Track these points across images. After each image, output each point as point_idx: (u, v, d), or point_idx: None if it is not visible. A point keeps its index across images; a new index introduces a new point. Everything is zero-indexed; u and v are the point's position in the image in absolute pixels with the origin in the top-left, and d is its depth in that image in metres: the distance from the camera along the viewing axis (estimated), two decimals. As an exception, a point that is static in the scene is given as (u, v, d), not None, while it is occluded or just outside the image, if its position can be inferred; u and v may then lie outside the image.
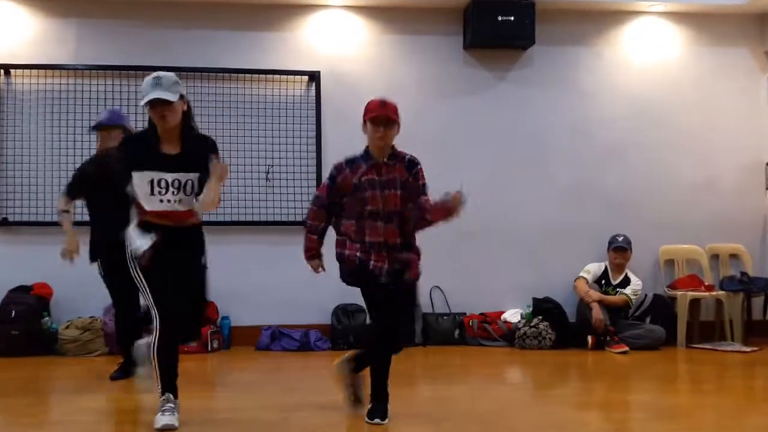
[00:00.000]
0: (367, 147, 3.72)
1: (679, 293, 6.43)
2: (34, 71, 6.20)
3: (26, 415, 3.89)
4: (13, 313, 5.72)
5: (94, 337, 5.80)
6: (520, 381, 5.28)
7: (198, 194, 3.51)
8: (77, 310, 5.95)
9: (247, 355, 5.88)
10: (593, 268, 6.39)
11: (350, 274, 3.69)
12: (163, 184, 3.48)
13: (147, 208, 3.50)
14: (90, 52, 6.27)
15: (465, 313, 6.45)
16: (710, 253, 6.80)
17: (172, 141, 3.55)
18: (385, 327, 3.63)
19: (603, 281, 6.36)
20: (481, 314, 6.44)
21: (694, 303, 6.47)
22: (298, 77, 6.45)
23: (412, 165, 3.71)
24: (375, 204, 3.60)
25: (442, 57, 6.66)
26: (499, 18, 6.34)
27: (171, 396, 3.56)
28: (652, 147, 6.81)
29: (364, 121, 3.68)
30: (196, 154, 3.53)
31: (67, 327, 5.81)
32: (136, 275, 3.53)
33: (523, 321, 6.25)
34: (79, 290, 5.87)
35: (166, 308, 3.50)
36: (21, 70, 6.19)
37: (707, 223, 6.78)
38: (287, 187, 6.37)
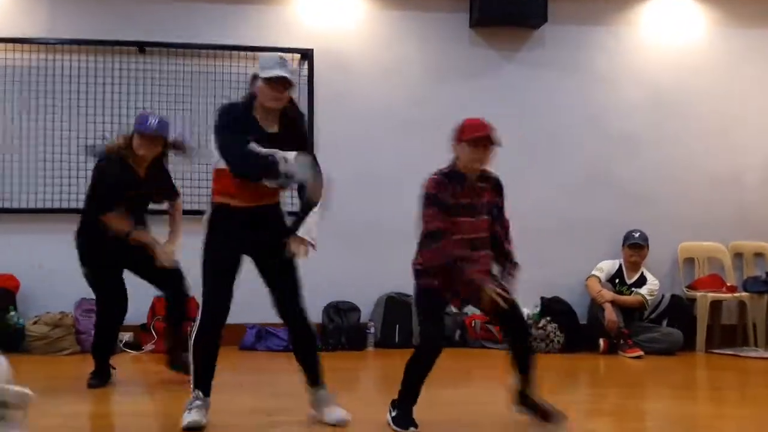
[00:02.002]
0: (455, 165, 3.64)
1: (699, 294, 6.42)
2: (5, 45, 6.15)
3: (-11, 417, 3.86)
4: (-24, 307, 5.70)
5: (65, 334, 5.77)
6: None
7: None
8: (46, 305, 5.92)
9: (230, 355, 5.84)
10: (606, 266, 6.38)
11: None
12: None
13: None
14: (64, 25, 6.23)
15: (467, 314, 6.43)
16: (733, 251, 6.79)
17: (269, 119, 3.61)
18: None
19: (617, 280, 6.35)
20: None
21: (715, 305, 6.47)
22: (288, 55, 6.39)
23: (499, 188, 3.74)
24: (467, 231, 3.60)
25: (446, 36, 6.63)
26: (509, -7, 6.32)
27: (200, 393, 3.63)
28: (672, 137, 6.79)
29: (459, 140, 3.61)
30: (293, 132, 3.65)
31: (35, 323, 5.78)
32: (202, 259, 3.62)
33: (530, 322, 6.23)
34: (49, 283, 5.86)
35: (213, 300, 3.59)
36: (-11, 44, 6.15)
37: (731, 219, 6.77)
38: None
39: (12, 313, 5.86)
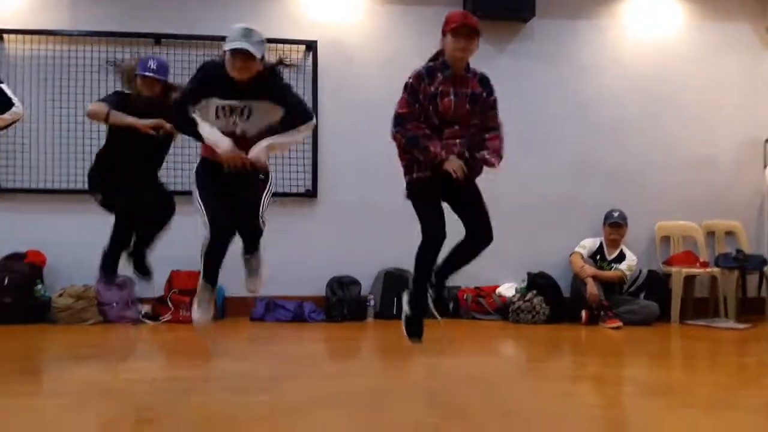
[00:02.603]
0: (441, 56, 3.70)
1: (673, 269, 6.44)
2: (28, 36, 6.12)
3: (20, 382, 3.88)
4: (6, 281, 5.70)
5: (87, 305, 5.79)
6: (514, 355, 5.29)
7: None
8: (70, 278, 5.93)
9: (241, 325, 5.88)
10: (588, 244, 6.39)
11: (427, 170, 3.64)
12: (226, 110, 3.63)
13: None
14: (85, 17, 6.19)
15: (459, 287, 6.44)
16: (706, 230, 6.79)
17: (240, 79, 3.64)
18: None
19: (598, 256, 6.36)
20: (476, 288, 6.44)
21: (689, 279, 6.48)
22: (295, 46, 6.38)
23: (485, 81, 3.75)
24: (448, 113, 3.62)
25: (440, 28, 6.57)
26: (500, -11, 6.27)
27: (210, 286, 3.79)
28: (651, 123, 6.77)
29: (444, 33, 3.67)
30: (262, 86, 3.66)
31: (60, 295, 5.80)
32: (194, 195, 3.71)
33: (518, 295, 6.26)
34: (73, 258, 5.86)
35: (216, 218, 3.65)
36: (15, 36, 6.11)
37: (704, 200, 6.77)
38: (282, 157, 6.32)
39: (39, 286, 5.87)
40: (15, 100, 4.31)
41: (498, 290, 6.38)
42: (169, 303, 5.95)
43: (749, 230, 6.81)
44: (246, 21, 6.25)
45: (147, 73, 4.48)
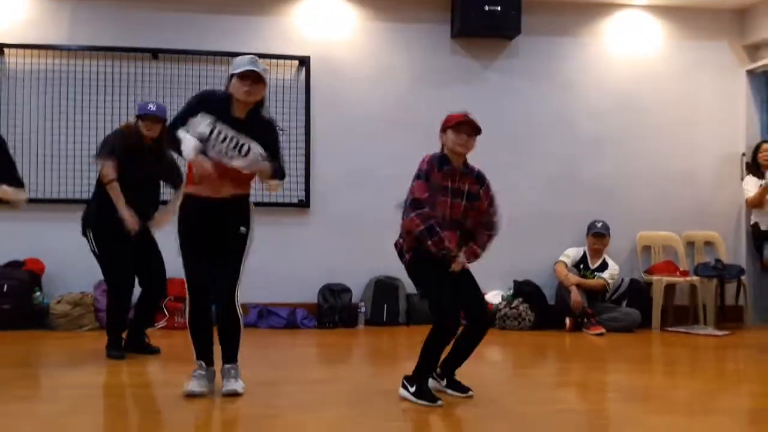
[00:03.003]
0: (443, 152, 3.66)
1: (654, 278, 6.46)
2: (29, 51, 6.11)
3: (18, 387, 3.85)
4: (5, 288, 5.66)
5: (85, 312, 5.76)
6: (500, 360, 5.29)
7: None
8: (68, 286, 5.90)
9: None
10: (572, 253, 6.41)
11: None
12: (223, 135, 3.55)
13: (192, 153, 3.49)
14: (85, 33, 6.18)
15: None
16: (686, 240, 6.83)
17: (243, 111, 3.63)
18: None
19: (581, 265, 6.38)
20: (464, 296, 6.44)
21: (669, 288, 6.50)
22: (288, 62, 6.39)
23: (481, 178, 3.72)
24: (442, 211, 3.57)
25: (429, 45, 6.62)
26: (486, 8, 6.29)
27: (203, 363, 3.67)
28: (633, 138, 6.81)
29: (444, 130, 3.63)
30: (260, 130, 3.63)
31: (58, 302, 5.76)
32: (178, 245, 3.64)
33: (504, 302, 6.26)
34: (71, 266, 5.83)
35: (195, 281, 3.59)
36: (15, 50, 6.09)
37: (684, 211, 6.81)
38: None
39: (38, 293, 5.84)
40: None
41: (485, 297, 6.37)
42: (165, 310, 5.92)
43: (727, 240, 6.84)
44: (241, 36, 6.33)
45: (148, 113, 4.54)
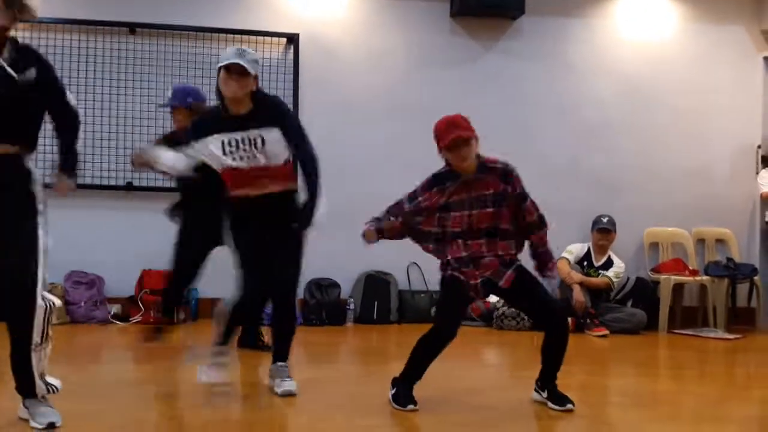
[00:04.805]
0: (450, 166, 3.55)
1: (662, 277, 6.48)
2: None
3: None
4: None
5: (55, 305, 5.73)
6: (498, 362, 5.30)
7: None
8: (37, 277, 5.87)
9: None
10: (576, 249, 6.42)
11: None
12: (233, 143, 3.57)
13: (224, 165, 3.59)
14: (57, 4, 6.12)
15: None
16: (696, 237, 6.85)
17: (239, 106, 3.61)
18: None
19: (585, 262, 6.39)
20: (459, 293, 6.45)
21: (678, 288, 6.53)
22: (275, 39, 6.36)
23: (506, 175, 3.58)
24: (462, 225, 3.49)
25: (427, 24, 6.60)
26: (488, -15, 6.30)
27: (225, 349, 3.74)
28: (642, 127, 6.82)
29: (439, 150, 3.52)
30: (268, 115, 3.63)
31: (26, 294, 5.73)
32: (233, 247, 3.70)
33: (503, 301, 6.27)
34: (40, 255, 5.79)
35: (253, 278, 3.64)
36: (-18, 21, 6.04)
37: (694, 206, 6.83)
38: (262, 154, 6.31)
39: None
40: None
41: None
42: (140, 303, 5.91)
43: (740, 238, 6.87)
44: (225, 11, 6.30)
45: (166, 105, 4.61)
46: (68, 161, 3.26)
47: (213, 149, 3.59)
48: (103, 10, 6.15)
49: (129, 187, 6.14)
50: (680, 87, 6.88)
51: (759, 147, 6.91)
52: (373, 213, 6.28)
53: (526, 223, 3.63)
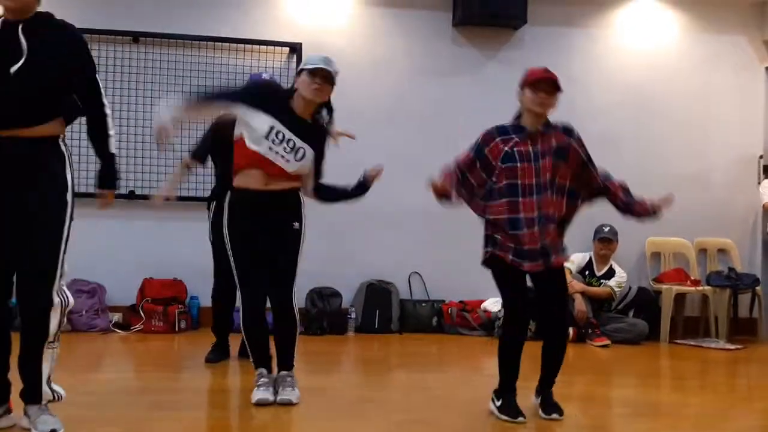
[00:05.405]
0: (518, 118, 3.59)
1: (664, 287, 6.48)
2: (0, 31, 6.08)
3: None
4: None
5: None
6: (497, 372, 5.29)
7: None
8: None
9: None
10: (577, 259, 6.42)
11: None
12: (281, 136, 3.55)
13: (252, 146, 3.53)
14: (62, 14, 6.06)
15: (444, 301, 6.46)
16: (698, 247, 6.85)
17: (307, 110, 3.64)
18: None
19: (587, 272, 6.39)
20: (461, 302, 6.46)
21: (680, 297, 6.53)
22: (278, 48, 6.39)
23: (569, 131, 3.62)
24: (528, 178, 3.44)
25: (430, 33, 6.63)
26: (491, -5, 6.32)
27: (264, 371, 3.68)
28: (643, 136, 6.83)
29: (522, 88, 3.56)
30: (317, 134, 3.70)
31: None
32: (225, 241, 3.66)
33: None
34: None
35: (249, 283, 3.63)
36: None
37: (696, 216, 6.82)
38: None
39: (5, 292, 5.80)
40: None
41: (483, 305, 6.39)
42: (141, 312, 5.91)
43: (742, 248, 6.87)
44: (229, 21, 6.33)
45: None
46: (107, 171, 3.28)
47: (260, 125, 3.54)
48: (106, 19, 6.17)
49: (131, 195, 6.15)
50: (682, 97, 6.90)
51: (761, 157, 6.92)
52: (374, 221, 6.33)
53: (599, 175, 3.71)
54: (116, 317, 5.97)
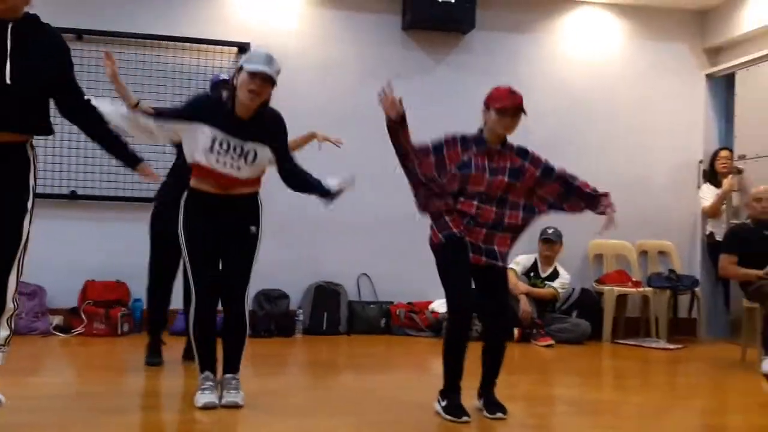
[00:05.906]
0: (481, 131, 3.72)
1: (606, 288, 6.60)
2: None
3: None
4: None
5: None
6: (440, 372, 5.32)
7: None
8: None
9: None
10: (523, 260, 6.50)
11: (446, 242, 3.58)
12: (225, 145, 3.50)
13: (201, 161, 3.51)
14: (0, 8, 6.00)
15: (392, 302, 6.48)
16: (639, 249, 7.00)
17: (248, 111, 3.57)
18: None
19: (532, 273, 6.48)
20: (409, 303, 6.49)
21: (621, 298, 6.66)
22: (227, 48, 6.33)
23: (523, 152, 3.76)
24: (478, 186, 3.56)
25: (379, 37, 6.65)
26: (439, -1, 6.36)
27: (210, 374, 3.62)
28: (587, 141, 6.95)
29: (487, 107, 3.68)
30: (266, 129, 3.61)
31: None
32: (181, 241, 3.61)
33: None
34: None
35: (202, 281, 3.57)
36: None
37: (638, 219, 6.95)
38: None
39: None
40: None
41: (431, 306, 6.43)
42: (83, 315, 5.80)
43: (681, 251, 7.04)
44: (177, 19, 6.25)
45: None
46: (128, 151, 3.32)
47: (202, 139, 3.50)
48: (49, 16, 5.99)
49: (73, 196, 6.03)
50: (625, 102, 7.04)
51: (700, 162, 7.10)
52: (321, 223, 6.30)
53: (569, 181, 3.91)
54: (57, 320, 5.84)
